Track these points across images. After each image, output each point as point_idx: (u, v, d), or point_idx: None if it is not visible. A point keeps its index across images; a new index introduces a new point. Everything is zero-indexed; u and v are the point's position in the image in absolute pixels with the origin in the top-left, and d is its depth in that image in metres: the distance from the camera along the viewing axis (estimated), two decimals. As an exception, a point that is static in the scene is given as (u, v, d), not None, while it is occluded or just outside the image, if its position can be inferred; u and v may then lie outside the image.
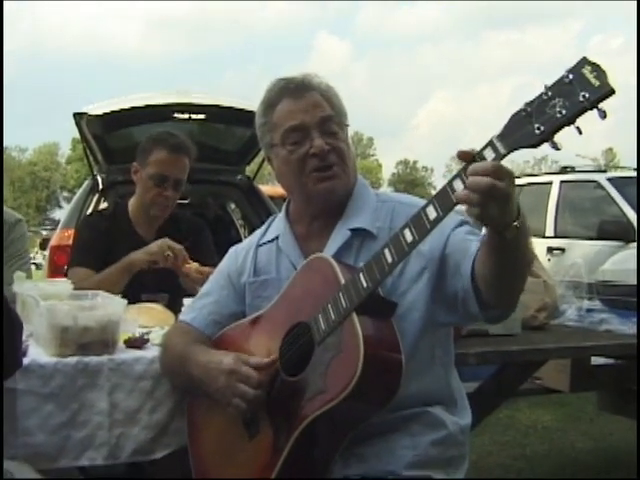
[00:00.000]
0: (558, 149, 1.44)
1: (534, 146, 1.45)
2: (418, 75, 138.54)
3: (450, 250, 1.86)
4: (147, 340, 2.33)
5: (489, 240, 1.62)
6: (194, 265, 2.97)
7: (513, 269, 1.67)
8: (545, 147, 1.46)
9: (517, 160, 65.58)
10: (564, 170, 9.84)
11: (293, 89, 2.04)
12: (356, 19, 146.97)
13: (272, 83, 2.09)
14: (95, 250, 3.23)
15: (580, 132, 1.42)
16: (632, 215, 7.98)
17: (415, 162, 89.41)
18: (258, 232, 2.26)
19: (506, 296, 1.76)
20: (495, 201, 1.47)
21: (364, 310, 1.73)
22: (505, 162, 1.50)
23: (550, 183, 9.50)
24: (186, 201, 6.55)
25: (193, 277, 2.93)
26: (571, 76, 1.39)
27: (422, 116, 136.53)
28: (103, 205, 5.72)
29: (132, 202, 3.38)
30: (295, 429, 1.79)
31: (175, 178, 3.21)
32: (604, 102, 1.37)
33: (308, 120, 1.99)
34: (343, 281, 1.79)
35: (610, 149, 76.74)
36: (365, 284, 1.72)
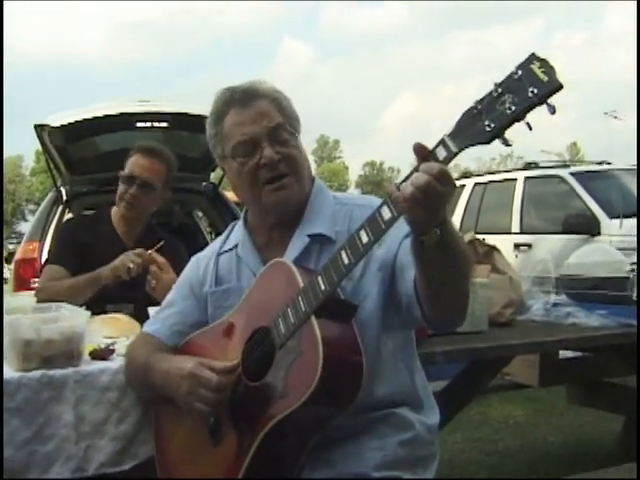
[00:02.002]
0: (509, 145, 1.45)
1: (485, 143, 1.46)
2: (383, 76, 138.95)
3: (401, 253, 1.86)
4: (113, 351, 2.31)
5: (411, 246, 1.63)
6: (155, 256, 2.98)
7: (440, 282, 1.68)
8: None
9: (483, 158, 66.26)
10: (528, 166, 9.93)
11: (239, 99, 2.01)
12: (319, 22, 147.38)
13: (219, 93, 2.06)
14: (71, 250, 3.29)
15: (530, 128, 1.42)
16: (596, 208, 8.07)
17: (382, 163, 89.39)
18: (219, 240, 2.25)
19: (440, 310, 1.76)
20: (427, 201, 1.48)
21: (324, 313, 1.73)
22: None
23: (514, 180, 9.58)
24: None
25: (154, 270, 2.94)
26: (520, 72, 1.41)
27: (388, 117, 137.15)
28: (68, 217, 5.69)
29: (114, 208, 3.43)
30: (258, 434, 1.78)
31: (142, 179, 3.26)
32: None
33: (257, 131, 1.97)
34: (302, 284, 1.78)
35: (574, 144, 77.44)
36: (323, 287, 1.72)
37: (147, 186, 3.27)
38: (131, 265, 3.00)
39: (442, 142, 1.50)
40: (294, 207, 2.01)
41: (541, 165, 9.79)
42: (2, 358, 2.09)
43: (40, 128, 5.29)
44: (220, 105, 2.04)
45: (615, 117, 13.79)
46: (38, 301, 2.87)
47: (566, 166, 9.72)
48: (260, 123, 1.97)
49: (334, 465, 1.89)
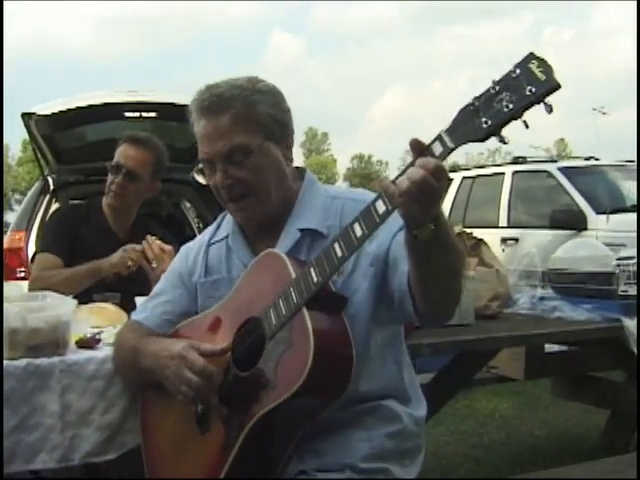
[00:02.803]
0: (505, 143, 1.46)
1: (482, 140, 1.47)
2: (372, 70, 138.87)
3: (394, 247, 1.85)
4: (99, 340, 2.31)
5: (405, 241, 1.63)
6: (155, 241, 3.00)
7: (433, 276, 1.68)
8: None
9: (472, 152, 66.30)
10: (516, 161, 9.94)
11: (207, 108, 1.95)
12: (309, 16, 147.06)
13: (196, 94, 1.99)
14: (64, 239, 3.28)
15: (527, 126, 1.43)
16: (583, 204, 8.09)
17: (370, 156, 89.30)
18: (209, 230, 2.23)
19: (433, 305, 1.76)
20: (422, 196, 1.48)
21: (315, 305, 1.73)
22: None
23: (502, 174, 9.59)
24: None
25: (155, 253, 2.95)
26: (518, 71, 1.41)
27: (376, 111, 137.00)
28: (55, 206, 5.67)
29: (104, 198, 3.41)
30: (246, 424, 1.78)
31: (128, 168, 3.24)
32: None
33: (212, 152, 1.95)
34: (294, 275, 1.78)
35: (562, 139, 77.68)
36: (315, 278, 1.71)
37: (133, 175, 3.24)
38: (130, 263, 3.00)
39: (439, 138, 1.50)
40: (262, 219, 2.01)
41: (529, 160, 9.80)
42: (2, 349, 2.08)
43: (27, 117, 5.26)
44: (195, 108, 2.00)
45: (603, 113, 13.85)
46: (32, 291, 2.86)
47: (554, 161, 9.76)
48: (216, 144, 1.95)
49: (322, 456, 1.89)
